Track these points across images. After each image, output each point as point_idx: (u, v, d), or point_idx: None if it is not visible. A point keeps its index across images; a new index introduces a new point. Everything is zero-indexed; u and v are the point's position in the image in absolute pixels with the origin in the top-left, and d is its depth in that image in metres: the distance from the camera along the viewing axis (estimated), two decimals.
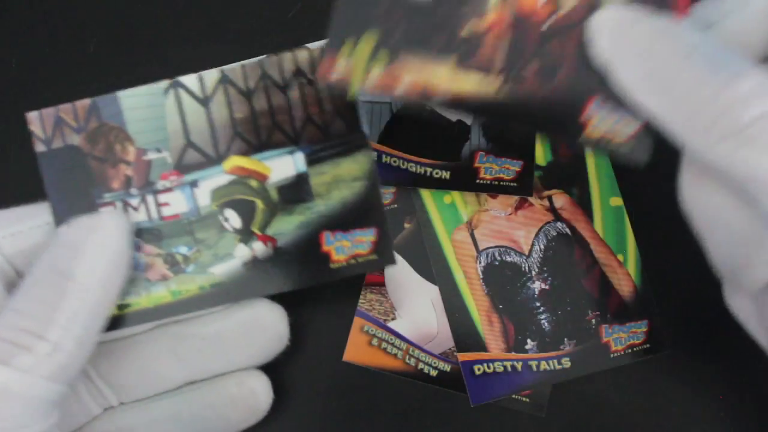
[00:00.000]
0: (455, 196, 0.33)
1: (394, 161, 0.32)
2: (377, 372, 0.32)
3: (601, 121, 0.23)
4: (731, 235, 0.20)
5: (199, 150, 0.25)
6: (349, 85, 0.22)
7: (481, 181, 0.32)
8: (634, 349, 0.31)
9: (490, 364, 0.31)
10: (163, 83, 0.25)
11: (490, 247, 0.32)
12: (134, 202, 0.25)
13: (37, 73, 0.35)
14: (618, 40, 0.21)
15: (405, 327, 0.32)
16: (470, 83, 0.23)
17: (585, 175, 0.33)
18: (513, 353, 0.31)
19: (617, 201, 0.32)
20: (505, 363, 0.31)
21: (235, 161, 0.25)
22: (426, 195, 0.32)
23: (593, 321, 0.31)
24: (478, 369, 0.31)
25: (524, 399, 0.32)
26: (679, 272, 0.32)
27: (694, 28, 0.20)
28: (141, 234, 0.25)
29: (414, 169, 0.32)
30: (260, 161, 0.25)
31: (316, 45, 0.25)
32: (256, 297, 0.27)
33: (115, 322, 0.25)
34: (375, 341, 0.32)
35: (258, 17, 0.35)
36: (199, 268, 0.25)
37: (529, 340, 0.31)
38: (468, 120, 0.33)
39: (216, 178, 0.25)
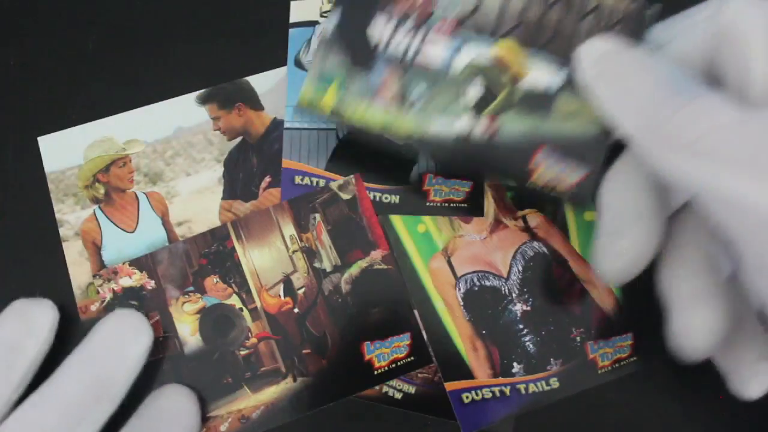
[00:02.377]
0: (429, 225, 0.32)
1: None
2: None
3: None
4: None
5: (481, 21, 0.28)
6: None
7: (432, 204, 0.32)
8: (621, 363, 0.31)
9: (478, 391, 0.31)
10: None
11: (468, 273, 0.32)
12: (402, 33, 0.28)
13: (36, 73, 0.35)
14: (601, 66, 0.25)
15: None
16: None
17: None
18: (500, 378, 0.31)
19: (592, 215, 0.32)
20: (493, 389, 0.31)
21: (505, 46, 0.27)
22: (399, 225, 0.32)
23: (578, 338, 0.31)
24: (467, 397, 0.31)
25: None
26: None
27: (664, 59, 0.25)
28: (391, 58, 0.28)
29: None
30: (526, 58, 0.27)
31: None
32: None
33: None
34: None
35: (257, 16, 0.36)
36: (418, 117, 0.27)
37: (515, 364, 0.31)
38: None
39: (480, 52, 0.27)
